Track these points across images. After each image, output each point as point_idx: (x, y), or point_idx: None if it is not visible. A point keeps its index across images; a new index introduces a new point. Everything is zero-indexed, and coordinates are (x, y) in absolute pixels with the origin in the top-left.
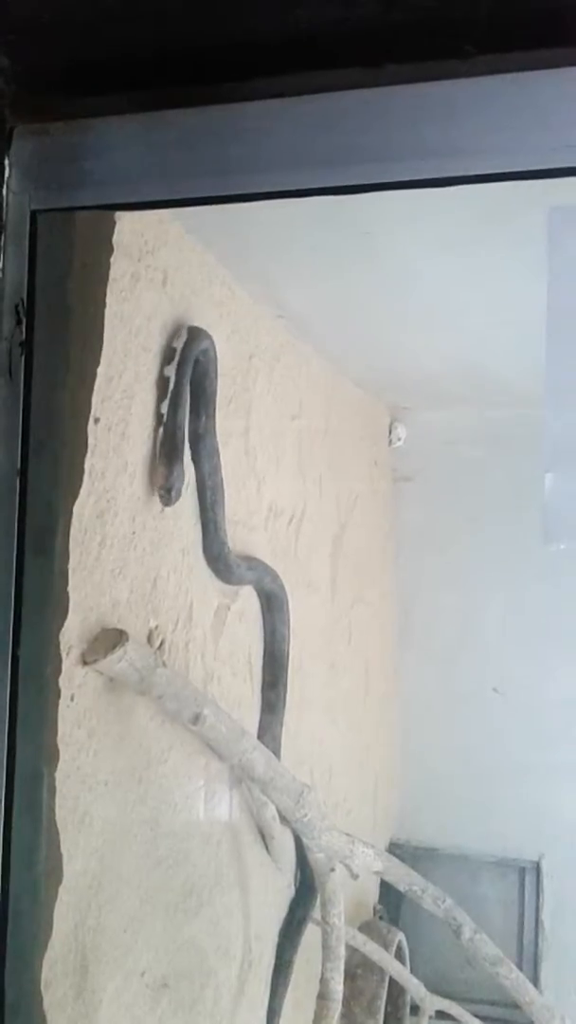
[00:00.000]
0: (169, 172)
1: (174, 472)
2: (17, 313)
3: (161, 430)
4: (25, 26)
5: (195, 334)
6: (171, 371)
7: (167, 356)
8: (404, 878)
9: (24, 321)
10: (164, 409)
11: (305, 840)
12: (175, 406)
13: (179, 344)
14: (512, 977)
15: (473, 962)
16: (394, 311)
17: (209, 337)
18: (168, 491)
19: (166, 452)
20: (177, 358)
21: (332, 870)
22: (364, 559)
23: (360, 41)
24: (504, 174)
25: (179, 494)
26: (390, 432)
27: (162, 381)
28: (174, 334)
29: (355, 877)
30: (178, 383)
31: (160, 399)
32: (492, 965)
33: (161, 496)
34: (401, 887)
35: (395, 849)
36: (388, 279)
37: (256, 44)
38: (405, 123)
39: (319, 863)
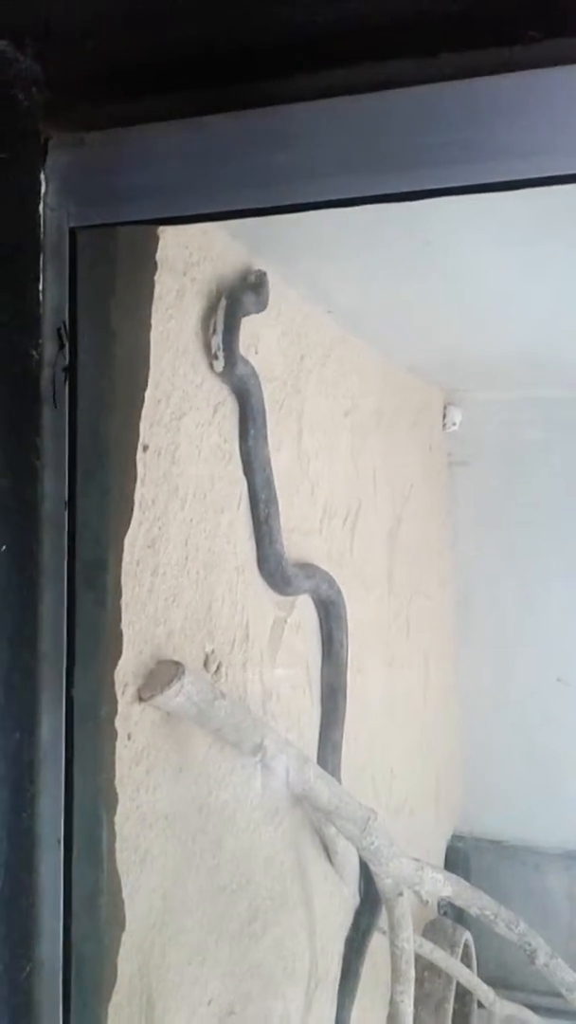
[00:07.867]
0: (212, 182)
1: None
2: (60, 337)
3: None
4: (56, 31)
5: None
6: None
7: None
8: (475, 901)
9: (67, 345)
10: None
11: (372, 868)
12: None
13: None
14: None
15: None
16: (449, 301)
17: (247, 364)
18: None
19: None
20: None
21: (400, 895)
22: (421, 550)
23: (412, 30)
24: None
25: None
26: (444, 416)
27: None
28: None
29: (424, 903)
30: None
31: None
32: (569, 991)
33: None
34: (472, 911)
35: (458, 842)
36: (444, 275)
37: (298, 38)
38: (464, 121)
39: (387, 888)
